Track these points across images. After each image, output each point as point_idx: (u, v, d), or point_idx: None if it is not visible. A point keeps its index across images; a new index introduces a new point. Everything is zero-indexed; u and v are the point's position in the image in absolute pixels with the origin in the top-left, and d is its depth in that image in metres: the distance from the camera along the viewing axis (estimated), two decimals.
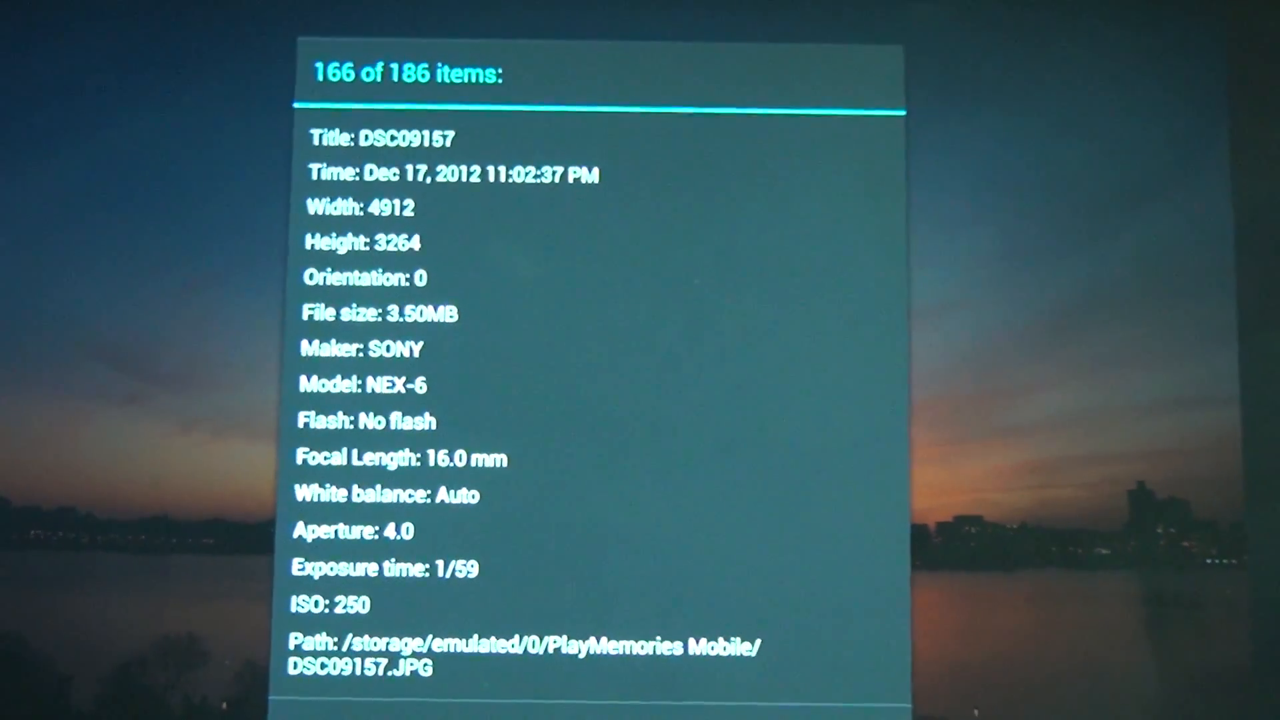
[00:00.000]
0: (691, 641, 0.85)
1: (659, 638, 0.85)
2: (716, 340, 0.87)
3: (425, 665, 0.84)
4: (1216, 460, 0.87)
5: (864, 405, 0.86)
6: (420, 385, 0.87)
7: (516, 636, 0.85)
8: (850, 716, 0.84)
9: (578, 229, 0.88)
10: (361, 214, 0.88)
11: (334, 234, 0.88)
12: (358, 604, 0.85)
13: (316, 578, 0.85)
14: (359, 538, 0.85)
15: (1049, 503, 0.88)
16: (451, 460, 0.86)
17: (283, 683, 0.84)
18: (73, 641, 0.87)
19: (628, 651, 0.85)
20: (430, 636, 0.85)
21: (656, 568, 0.85)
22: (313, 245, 0.88)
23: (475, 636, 0.85)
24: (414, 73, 0.89)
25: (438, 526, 0.85)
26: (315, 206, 0.88)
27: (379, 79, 0.89)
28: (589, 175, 0.88)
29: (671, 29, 0.89)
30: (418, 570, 0.85)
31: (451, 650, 0.84)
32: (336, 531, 0.86)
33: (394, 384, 0.87)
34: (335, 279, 0.88)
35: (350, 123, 0.89)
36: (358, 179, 0.88)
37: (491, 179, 0.88)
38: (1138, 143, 0.89)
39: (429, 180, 0.88)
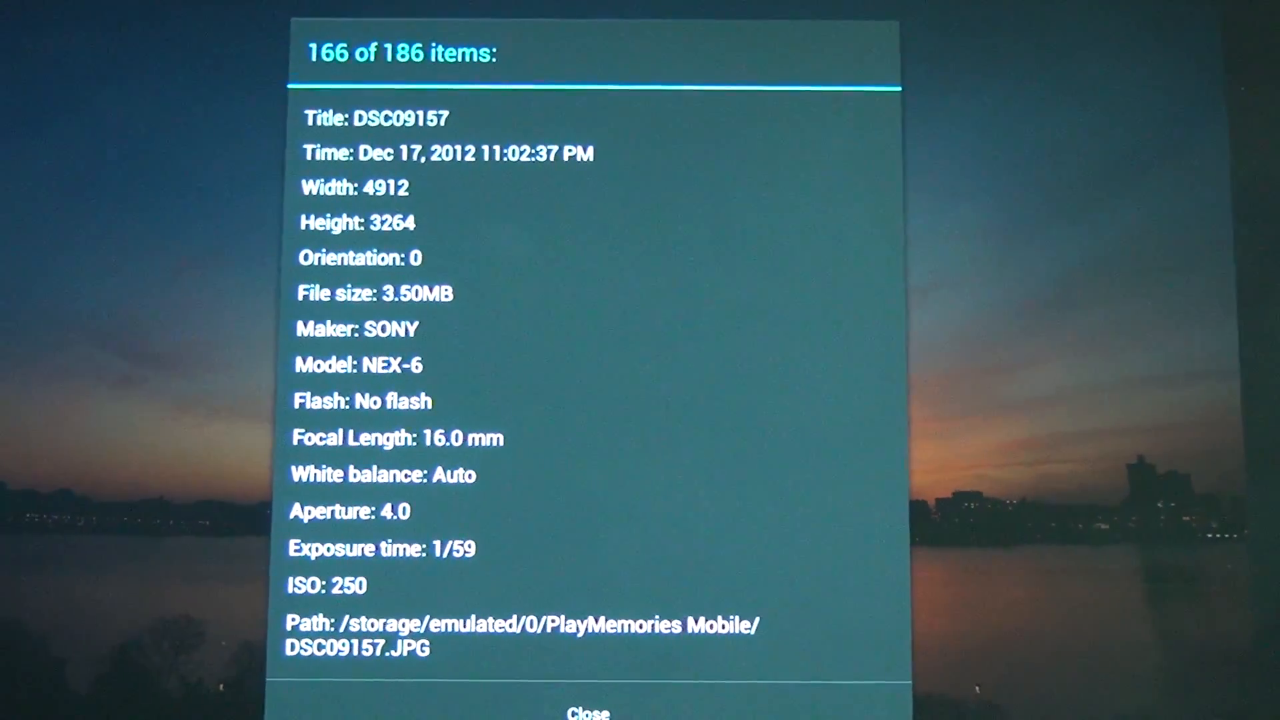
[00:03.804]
0: (690, 620, 0.84)
1: (657, 616, 0.84)
2: (712, 317, 0.86)
3: (423, 646, 0.84)
4: (1216, 434, 0.86)
5: (862, 382, 0.86)
6: (416, 365, 0.86)
7: (514, 616, 0.84)
8: (850, 694, 0.83)
9: (573, 207, 0.88)
10: (356, 194, 0.88)
11: (328, 214, 0.88)
12: (355, 585, 0.85)
13: (313, 559, 0.85)
14: (355, 518, 0.85)
15: (1048, 478, 0.88)
16: (448, 440, 0.86)
17: (280, 664, 0.84)
18: (68, 624, 0.87)
19: (626, 630, 0.84)
20: (427, 617, 0.84)
21: (654, 546, 0.85)
22: (307, 226, 0.88)
23: (473, 617, 0.84)
24: (408, 52, 0.89)
25: (434, 507, 0.85)
26: (310, 187, 0.88)
27: (373, 59, 0.89)
28: (584, 153, 0.88)
29: (666, 6, 0.89)
30: (414, 551, 0.85)
31: (449, 630, 0.84)
32: (333, 512, 0.85)
33: (389, 364, 0.86)
34: (330, 259, 0.87)
35: (344, 103, 0.89)
36: (352, 159, 0.88)
37: (486, 158, 0.88)
38: (1135, 115, 0.89)
39: (423, 160, 0.88)
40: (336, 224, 0.88)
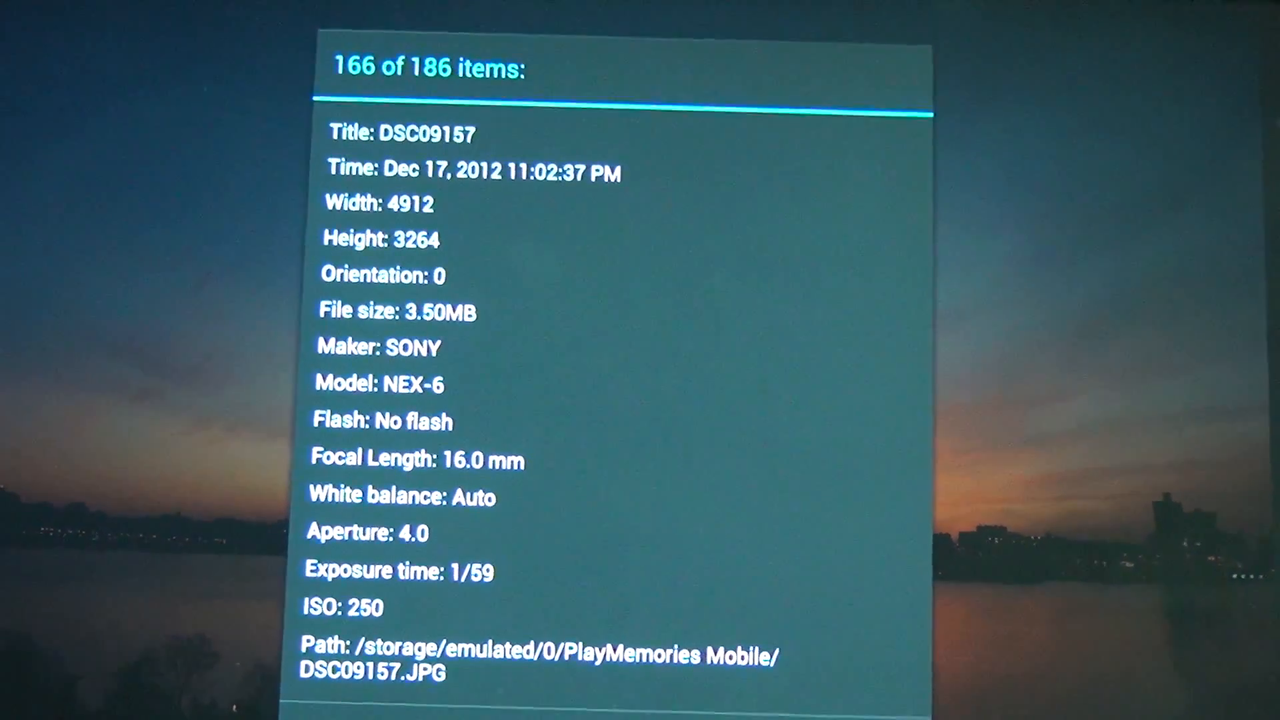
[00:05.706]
0: (709, 650, 0.83)
1: (676, 646, 0.83)
2: (738, 343, 0.85)
3: (439, 670, 0.83)
4: (1245, 472, 0.85)
5: (887, 411, 0.85)
6: (437, 385, 0.85)
7: (532, 643, 0.83)
8: None
9: (599, 228, 0.87)
10: (380, 210, 0.87)
11: (352, 230, 0.87)
12: (371, 607, 0.84)
13: (329, 579, 0.84)
14: (373, 539, 0.84)
15: (1074, 514, 0.87)
16: (468, 462, 0.85)
17: (294, 686, 0.83)
18: (82, 640, 0.86)
19: (644, 659, 0.83)
20: (444, 641, 0.83)
21: (674, 574, 0.84)
22: (330, 241, 0.87)
23: (490, 642, 0.83)
24: (435, 67, 0.88)
25: (453, 529, 0.84)
26: (334, 201, 0.87)
27: (400, 72, 0.88)
28: (611, 173, 0.87)
29: (697, 26, 0.88)
30: (432, 573, 0.84)
31: (465, 655, 0.83)
32: (350, 533, 0.84)
33: (411, 383, 0.85)
34: (353, 275, 0.86)
35: (370, 117, 0.87)
36: (377, 174, 0.87)
37: (512, 176, 0.87)
38: (1168, 145, 0.88)
39: (449, 176, 0.87)
40: (360, 240, 0.87)
